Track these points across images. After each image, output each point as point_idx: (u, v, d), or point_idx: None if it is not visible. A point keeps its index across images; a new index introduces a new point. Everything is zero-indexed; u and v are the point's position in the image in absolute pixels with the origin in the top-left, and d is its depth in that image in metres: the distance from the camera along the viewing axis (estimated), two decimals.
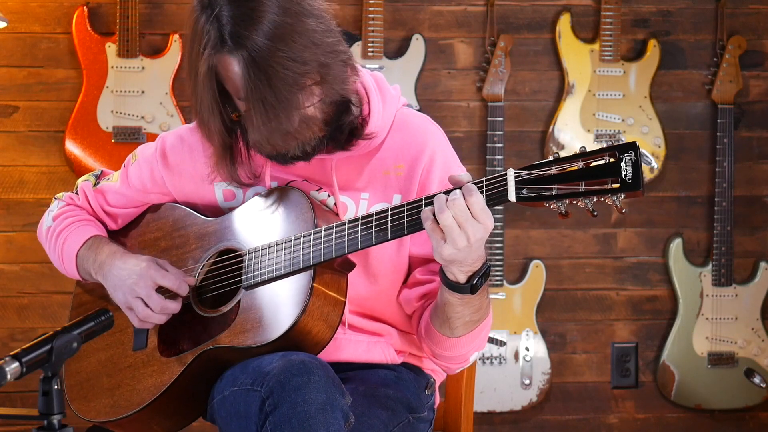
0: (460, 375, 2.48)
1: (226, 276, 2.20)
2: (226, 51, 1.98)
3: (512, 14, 4.15)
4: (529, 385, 4.11)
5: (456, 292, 2.02)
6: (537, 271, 4.14)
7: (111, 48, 3.93)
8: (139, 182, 2.34)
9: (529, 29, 4.16)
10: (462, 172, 1.98)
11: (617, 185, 1.84)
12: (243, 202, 2.24)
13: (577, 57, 4.12)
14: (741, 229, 4.21)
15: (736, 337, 4.15)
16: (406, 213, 1.99)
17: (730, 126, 4.13)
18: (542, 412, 4.21)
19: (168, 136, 2.34)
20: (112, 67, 3.94)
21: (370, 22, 3.99)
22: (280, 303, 2.09)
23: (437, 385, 2.38)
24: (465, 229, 1.90)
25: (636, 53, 4.19)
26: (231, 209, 2.25)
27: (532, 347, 4.11)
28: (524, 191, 1.90)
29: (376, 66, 3.99)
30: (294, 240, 2.09)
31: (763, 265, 4.19)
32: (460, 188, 1.92)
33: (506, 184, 1.90)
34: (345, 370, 2.21)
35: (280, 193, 2.17)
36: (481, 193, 1.92)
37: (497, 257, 4.05)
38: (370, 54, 4.00)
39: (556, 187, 1.87)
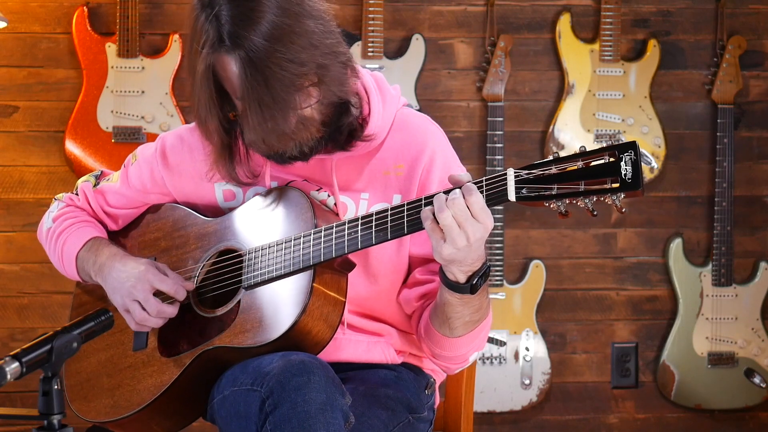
0: (460, 375, 2.48)
1: (226, 276, 2.20)
2: (224, 50, 1.99)
3: (512, 14, 4.15)
4: (529, 385, 4.11)
5: (456, 292, 2.02)
6: (537, 271, 4.14)
7: (111, 48, 3.93)
8: (139, 182, 2.34)
9: (529, 29, 4.16)
10: (462, 172, 1.98)
11: (617, 185, 1.84)
12: (243, 202, 2.24)
13: (577, 57, 4.12)
14: (741, 229, 4.21)
15: (736, 337, 4.15)
16: (405, 213, 1.99)
17: (730, 126, 4.13)
18: (542, 412, 4.21)
19: (168, 136, 2.34)
20: (112, 67, 3.94)
21: (370, 22, 3.99)
22: (280, 303, 2.09)
23: (437, 385, 2.38)
24: (465, 228, 1.90)
25: (636, 53, 4.19)
26: (231, 209, 2.25)
27: (532, 347, 4.11)
28: (524, 191, 1.90)
29: (376, 66, 3.99)
30: (294, 240, 2.09)
31: (763, 265, 4.19)
32: (459, 188, 1.92)
33: (506, 184, 1.90)
34: (345, 370, 2.21)
35: (280, 193, 2.17)
36: (481, 192, 1.92)
37: (497, 257, 4.05)
38: (370, 54, 4.00)
39: (555, 186, 1.87)
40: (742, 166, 4.21)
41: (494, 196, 1.92)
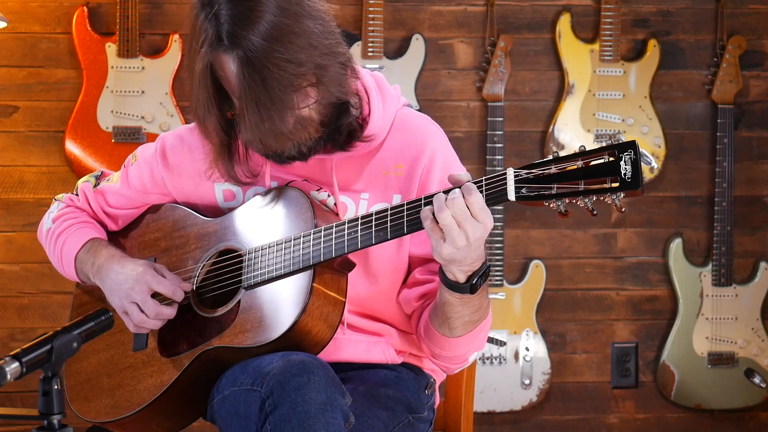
0: (460, 375, 2.48)
1: (226, 276, 2.20)
2: (222, 50, 1.99)
3: (512, 14, 4.15)
4: (529, 385, 4.11)
5: (455, 291, 2.01)
6: (537, 271, 4.14)
7: (111, 48, 3.93)
8: (139, 183, 2.34)
9: (529, 29, 4.16)
10: (462, 172, 1.98)
11: (616, 184, 1.84)
12: (243, 203, 2.24)
13: (577, 57, 4.12)
14: (741, 229, 4.21)
15: (736, 337, 4.15)
16: (405, 212, 1.99)
17: (730, 126, 4.13)
18: (542, 412, 4.21)
19: (168, 136, 2.34)
20: (112, 67, 3.94)
21: (370, 22, 3.99)
22: (280, 303, 2.09)
23: (437, 385, 2.38)
24: (464, 228, 1.90)
25: (636, 53, 4.19)
26: (231, 209, 2.25)
27: (532, 347, 4.11)
28: (524, 190, 1.90)
29: (376, 66, 3.99)
30: (294, 240, 2.09)
31: (763, 265, 4.19)
32: (459, 187, 1.92)
33: (506, 184, 1.90)
34: (345, 370, 2.21)
35: (280, 193, 2.17)
36: (481, 192, 1.92)
37: (497, 257, 4.05)
38: (370, 54, 4.00)
39: (555, 186, 1.87)
40: (742, 166, 4.21)
41: (494, 196, 1.92)
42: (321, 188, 2.20)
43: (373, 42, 4.00)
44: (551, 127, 4.13)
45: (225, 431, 2.11)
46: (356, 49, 3.99)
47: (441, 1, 4.12)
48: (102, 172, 2.44)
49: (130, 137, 3.94)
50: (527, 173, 1.90)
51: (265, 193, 2.20)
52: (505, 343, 4.08)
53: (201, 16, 2.01)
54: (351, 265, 2.12)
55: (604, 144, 1.86)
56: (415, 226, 1.98)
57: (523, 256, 4.18)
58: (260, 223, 2.17)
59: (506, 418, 4.18)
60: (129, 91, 3.96)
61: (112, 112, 3.95)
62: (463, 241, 1.91)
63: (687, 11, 4.20)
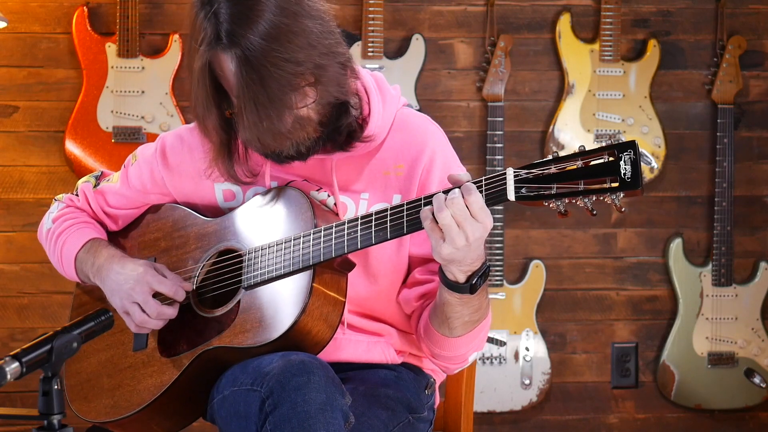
0: (460, 375, 2.48)
1: (226, 276, 2.20)
2: (221, 48, 1.99)
3: (512, 14, 4.15)
4: (529, 385, 4.11)
5: (455, 291, 2.01)
6: (537, 271, 4.14)
7: (111, 48, 3.93)
8: (139, 183, 2.34)
9: (529, 29, 4.16)
10: (461, 172, 1.98)
11: (616, 184, 1.84)
12: (243, 203, 2.24)
13: (577, 57, 4.12)
14: (741, 229, 4.21)
15: (736, 337, 4.15)
16: (405, 212, 1.99)
17: (730, 126, 4.13)
18: (542, 412, 4.21)
19: (168, 136, 2.34)
20: (112, 67, 3.94)
21: (370, 22, 3.99)
22: (279, 303, 2.09)
23: (437, 385, 2.38)
24: (464, 228, 1.90)
25: (636, 53, 4.19)
26: (231, 209, 2.25)
27: (532, 347, 4.11)
28: (523, 190, 1.90)
29: (376, 66, 3.99)
30: (294, 240, 2.09)
31: (763, 265, 4.19)
32: (459, 187, 1.92)
33: (505, 183, 1.90)
34: (345, 370, 2.21)
35: (280, 193, 2.17)
36: (480, 192, 1.92)
37: (497, 257, 4.05)
38: (370, 54, 4.00)
39: (555, 186, 1.87)
40: (742, 166, 4.21)
41: (494, 196, 1.92)
42: (321, 188, 2.20)
43: (373, 42, 4.00)
44: (551, 127, 4.13)
45: (225, 431, 2.11)
46: (356, 49, 3.99)
47: (441, 1, 4.12)
48: (102, 173, 2.44)
49: (130, 137, 3.95)
50: (527, 173, 1.90)
51: (265, 193, 2.20)
52: (505, 343, 4.08)
53: (200, 14, 2.01)
54: (351, 265, 2.12)
55: (603, 144, 1.86)
56: (415, 226, 1.98)
57: (523, 256, 4.18)
58: (260, 223, 2.17)
59: (506, 418, 4.18)
60: (129, 91, 3.96)
61: (112, 112, 3.95)
62: (463, 241, 1.91)
63: (687, 11, 4.20)
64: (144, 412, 2.20)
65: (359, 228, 2.03)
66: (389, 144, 2.20)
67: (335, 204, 2.18)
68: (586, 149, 1.88)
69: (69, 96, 3.99)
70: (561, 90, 4.15)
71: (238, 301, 2.14)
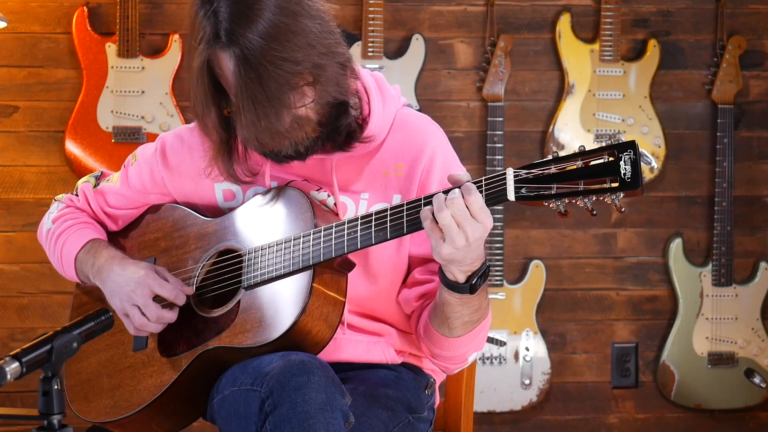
0: (460, 375, 2.48)
1: (226, 276, 2.20)
2: (219, 47, 1.99)
3: (512, 14, 4.15)
4: (529, 385, 4.11)
5: (455, 291, 2.01)
6: (537, 271, 4.14)
7: (111, 48, 3.93)
8: (139, 183, 2.34)
9: (529, 29, 4.16)
10: (461, 172, 1.98)
11: (616, 184, 1.84)
12: (243, 202, 2.24)
13: (577, 57, 4.12)
14: (741, 229, 4.21)
15: (736, 337, 4.15)
16: (405, 212, 1.99)
17: (730, 126, 4.13)
18: (542, 412, 4.21)
19: (168, 136, 2.34)
20: (112, 67, 3.94)
21: (370, 22, 3.99)
22: (279, 303, 2.09)
23: (437, 385, 2.38)
24: (464, 228, 1.90)
25: (636, 53, 4.19)
26: (231, 209, 2.25)
27: (532, 347, 4.11)
28: (523, 190, 1.90)
29: (376, 66, 3.99)
30: (294, 240, 2.09)
31: (763, 265, 4.19)
32: (459, 187, 1.92)
33: (505, 184, 1.90)
34: (345, 370, 2.21)
35: (280, 193, 2.17)
36: (480, 192, 1.92)
37: (497, 257, 4.05)
38: (370, 54, 4.00)
39: (555, 186, 1.87)
40: (742, 166, 4.21)
41: (493, 196, 1.92)
42: (321, 188, 2.20)
43: (373, 42, 4.00)
44: (551, 127, 4.13)
45: (225, 431, 2.11)
46: (356, 49, 3.99)
47: (441, 1, 4.12)
48: (102, 173, 2.44)
49: (130, 137, 3.95)
50: (527, 173, 1.90)
51: (265, 193, 2.20)
52: (505, 343, 4.08)
53: (200, 13, 2.01)
54: (351, 265, 2.12)
55: (603, 144, 1.86)
56: (415, 226, 1.98)
57: (523, 256, 4.18)
58: (260, 223, 2.17)
59: (506, 418, 4.18)
60: (129, 91, 3.96)
61: (112, 112, 3.95)
62: (463, 241, 1.91)
63: (687, 11, 4.20)
64: (144, 412, 2.20)
65: (359, 228, 2.03)
66: (389, 144, 2.20)
67: (335, 204, 2.18)
68: (586, 149, 1.88)
69: (69, 96, 3.99)
70: (561, 90, 4.15)
71: (238, 301, 2.14)
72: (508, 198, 1.90)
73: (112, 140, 3.95)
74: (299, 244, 2.08)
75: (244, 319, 2.11)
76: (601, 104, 4.12)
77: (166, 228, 2.33)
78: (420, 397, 2.27)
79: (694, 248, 4.22)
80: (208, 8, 1.99)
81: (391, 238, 2.02)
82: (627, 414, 4.26)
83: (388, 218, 2.01)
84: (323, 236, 2.06)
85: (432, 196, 1.94)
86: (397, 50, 4.09)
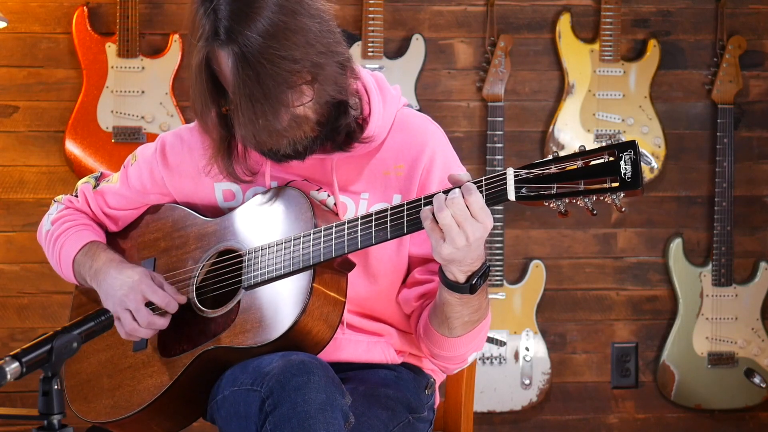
0: (460, 375, 2.48)
1: (226, 276, 2.20)
2: (218, 44, 1.99)
3: (512, 14, 4.15)
4: (529, 385, 4.11)
5: (455, 291, 2.01)
6: (537, 271, 4.14)
7: (111, 48, 3.93)
8: (138, 183, 2.34)
9: (529, 29, 4.16)
10: (462, 172, 1.97)
11: (616, 184, 1.84)
12: (243, 202, 2.24)
13: (577, 57, 4.12)
14: (741, 229, 4.21)
15: (736, 337, 4.15)
16: (405, 212, 1.99)
17: (730, 126, 4.13)
18: (542, 412, 4.21)
19: (167, 136, 2.34)
20: (112, 67, 3.94)
21: (370, 22, 3.99)
22: (280, 303, 2.09)
23: (437, 385, 2.37)
24: (464, 228, 1.90)
25: (636, 53, 4.19)
26: (231, 209, 2.25)
27: (532, 347, 4.11)
28: (523, 190, 1.90)
29: (376, 66, 3.99)
30: (294, 240, 2.09)
31: (763, 265, 4.19)
32: (459, 187, 1.92)
33: (505, 183, 1.90)
34: (345, 370, 2.21)
35: (280, 193, 2.17)
36: (481, 192, 1.92)
37: (497, 257, 4.05)
38: (370, 54, 4.00)
39: (555, 186, 1.87)
40: (742, 166, 4.21)
41: (494, 196, 1.92)
42: (321, 188, 2.20)
43: (373, 42, 4.00)
44: (551, 127, 4.13)
45: (225, 431, 2.11)
46: (356, 49, 3.99)
47: (441, 1, 4.12)
48: (101, 173, 2.44)
49: (130, 137, 3.95)
50: (527, 173, 1.90)
51: (265, 193, 2.20)
52: (505, 343, 4.08)
53: (200, 11, 2.01)
54: (351, 265, 2.12)
55: (604, 144, 1.86)
56: (415, 226, 1.98)
57: (523, 256, 4.18)
58: (260, 223, 2.17)
59: (506, 418, 4.18)
60: (129, 91, 3.96)
61: (112, 112, 3.95)
62: (463, 241, 1.91)
63: (687, 11, 4.20)
64: (144, 413, 2.20)
65: (359, 228, 2.03)
66: (389, 144, 2.20)
67: (335, 204, 2.18)
68: (586, 149, 1.88)
69: (69, 96, 3.99)
70: (561, 90, 4.15)
71: (238, 302, 2.14)
72: (509, 198, 1.90)
73: (112, 140, 3.95)
74: (299, 244, 2.08)
75: (244, 320, 2.11)
76: (601, 104, 4.12)
77: (166, 228, 2.33)
78: (420, 397, 2.27)
79: (694, 248, 4.22)
80: (208, 6, 2.00)
81: (391, 238, 2.02)
82: (627, 414, 4.26)
83: (389, 218, 2.01)
84: (323, 236, 2.06)
85: (432, 196, 1.94)
86: (397, 50, 4.09)
